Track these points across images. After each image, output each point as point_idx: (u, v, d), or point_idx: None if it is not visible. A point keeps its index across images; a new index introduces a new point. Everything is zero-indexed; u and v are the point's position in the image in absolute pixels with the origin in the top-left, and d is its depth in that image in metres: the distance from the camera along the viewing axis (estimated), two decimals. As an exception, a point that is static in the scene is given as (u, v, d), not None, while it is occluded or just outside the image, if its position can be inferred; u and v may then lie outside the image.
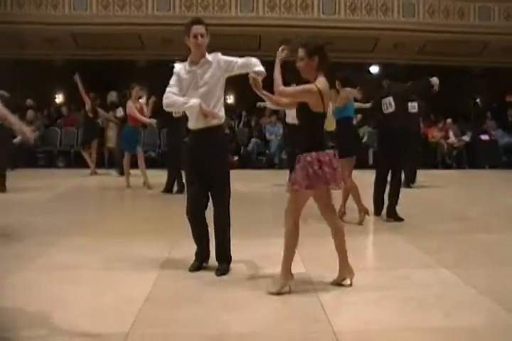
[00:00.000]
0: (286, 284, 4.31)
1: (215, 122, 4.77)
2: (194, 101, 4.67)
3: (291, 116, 10.70)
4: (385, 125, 7.70)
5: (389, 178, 7.63)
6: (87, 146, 13.05)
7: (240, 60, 4.81)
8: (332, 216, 4.60)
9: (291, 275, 4.37)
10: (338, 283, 4.53)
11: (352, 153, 7.15)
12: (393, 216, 7.37)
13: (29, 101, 16.11)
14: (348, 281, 4.54)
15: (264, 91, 4.66)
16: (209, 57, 4.80)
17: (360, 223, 7.15)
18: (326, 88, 4.39)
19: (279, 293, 4.26)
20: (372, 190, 7.74)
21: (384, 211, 7.57)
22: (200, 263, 4.95)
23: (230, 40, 17.13)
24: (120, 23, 16.16)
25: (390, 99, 7.52)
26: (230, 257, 4.97)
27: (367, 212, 7.26)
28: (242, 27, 16.77)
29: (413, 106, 9.42)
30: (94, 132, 13.23)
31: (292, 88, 4.56)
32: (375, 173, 7.84)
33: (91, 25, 16.05)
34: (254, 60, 4.82)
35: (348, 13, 17.10)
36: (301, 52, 4.45)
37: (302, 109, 4.41)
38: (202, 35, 4.74)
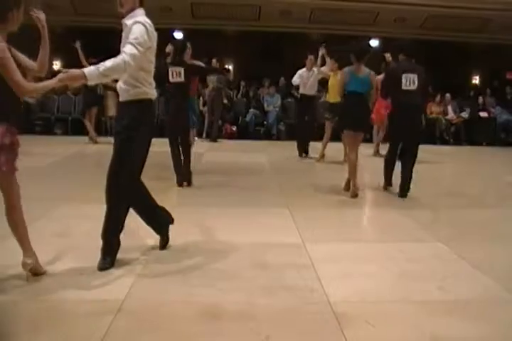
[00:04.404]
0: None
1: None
2: None
3: (310, 87, 10.71)
4: (401, 102, 7.21)
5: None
6: (87, 113, 12.98)
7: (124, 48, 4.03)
8: (13, 192, 3.78)
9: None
10: (35, 273, 3.91)
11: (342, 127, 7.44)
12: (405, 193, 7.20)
13: None
14: (41, 270, 3.94)
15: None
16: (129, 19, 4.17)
17: (354, 196, 7.07)
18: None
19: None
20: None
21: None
22: None
23: (230, 10, 16.97)
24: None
25: (415, 76, 7.13)
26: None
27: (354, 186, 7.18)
28: (243, -3, 16.59)
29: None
30: (93, 100, 13.11)
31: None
32: (388, 149, 7.66)
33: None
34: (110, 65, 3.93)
35: (349, -15, 16.89)
36: None
37: None
38: None
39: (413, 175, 7.24)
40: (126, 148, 4.17)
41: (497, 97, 17.08)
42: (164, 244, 4.73)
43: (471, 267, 4.43)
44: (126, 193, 4.28)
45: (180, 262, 4.39)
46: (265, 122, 15.45)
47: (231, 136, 14.86)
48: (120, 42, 4.15)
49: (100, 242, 4.24)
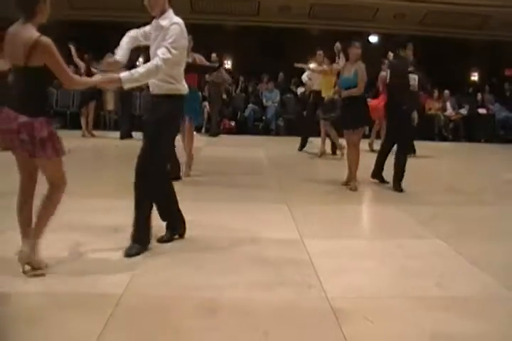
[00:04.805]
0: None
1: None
2: None
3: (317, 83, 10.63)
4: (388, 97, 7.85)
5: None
6: (85, 108, 12.97)
7: (158, 51, 4.18)
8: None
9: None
10: (34, 267, 3.85)
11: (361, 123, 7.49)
12: (396, 186, 7.35)
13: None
14: (40, 264, 3.88)
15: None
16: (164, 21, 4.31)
17: (353, 189, 7.26)
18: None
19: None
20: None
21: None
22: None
23: (229, 5, 16.94)
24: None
25: (388, 72, 7.71)
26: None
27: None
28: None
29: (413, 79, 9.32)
30: (91, 94, 13.05)
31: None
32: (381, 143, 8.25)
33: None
34: (145, 70, 4.12)
35: (347, -19, 16.85)
36: None
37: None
38: None
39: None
40: (155, 141, 4.33)
41: (496, 94, 17.05)
42: (166, 239, 4.74)
43: (470, 264, 4.42)
44: (154, 184, 4.43)
45: (178, 257, 4.39)
46: (264, 117, 15.44)
47: (229, 131, 14.84)
48: (116, 36, 4.20)
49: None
